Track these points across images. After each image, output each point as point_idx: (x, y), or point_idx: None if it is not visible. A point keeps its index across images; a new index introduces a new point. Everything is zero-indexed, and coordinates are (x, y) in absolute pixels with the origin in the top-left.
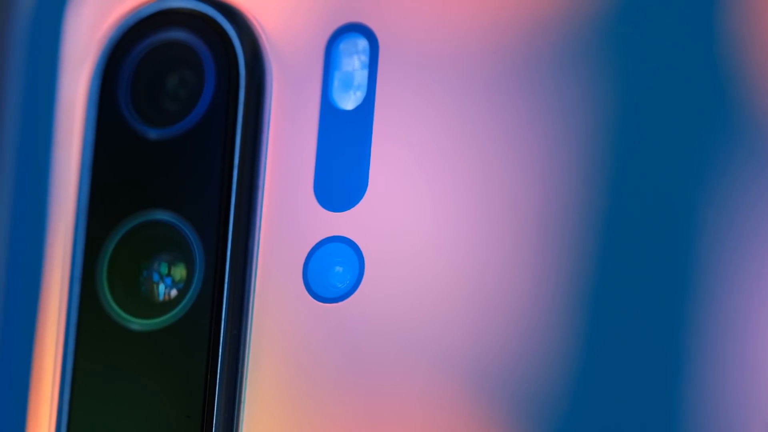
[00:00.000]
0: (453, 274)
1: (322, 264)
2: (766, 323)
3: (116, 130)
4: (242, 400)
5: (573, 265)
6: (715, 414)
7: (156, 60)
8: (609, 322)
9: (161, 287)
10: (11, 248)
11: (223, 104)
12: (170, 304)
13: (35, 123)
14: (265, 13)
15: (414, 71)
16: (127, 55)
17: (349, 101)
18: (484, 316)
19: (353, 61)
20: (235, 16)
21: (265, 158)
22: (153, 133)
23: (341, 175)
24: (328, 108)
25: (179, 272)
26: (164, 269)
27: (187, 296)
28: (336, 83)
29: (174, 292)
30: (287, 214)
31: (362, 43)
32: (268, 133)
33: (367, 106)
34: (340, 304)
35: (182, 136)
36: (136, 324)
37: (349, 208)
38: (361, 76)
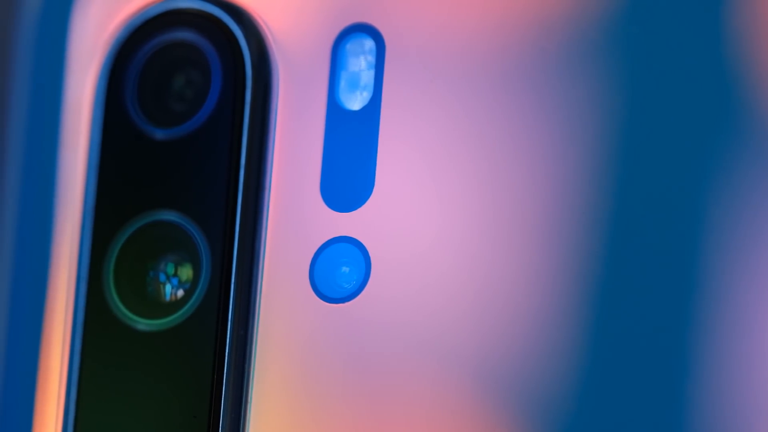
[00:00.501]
0: (459, 274)
1: (329, 264)
2: None
3: (123, 131)
4: (249, 400)
5: (579, 266)
6: (722, 414)
7: (162, 60)
8: (615, 323)
9: (168, 287)
10: (18, 248)
11: (229, 104)
12: (177, 304)
13: (42, 123)
14: (271, 14)
15: (420, 72)
16: (133, 55)
17: (355, 101)
18: (491, 316)
19: (360, 61)
20: (241, 16)
21: (272, 158)
22: (159, 134)
23: (348, 176)
24: (334, 108)
25: (186, 272)
26: (171, 269)
27: (194, 296)
28: (342, 83)
29: (180, 293)
30: (294, 214)
31: (369, 44)
32: (274, 133)
33: (373, 107)
34: (347, 304)
35: (189, 137)
36: (143, 324)
37: (355, 209)
38: (367, 77)
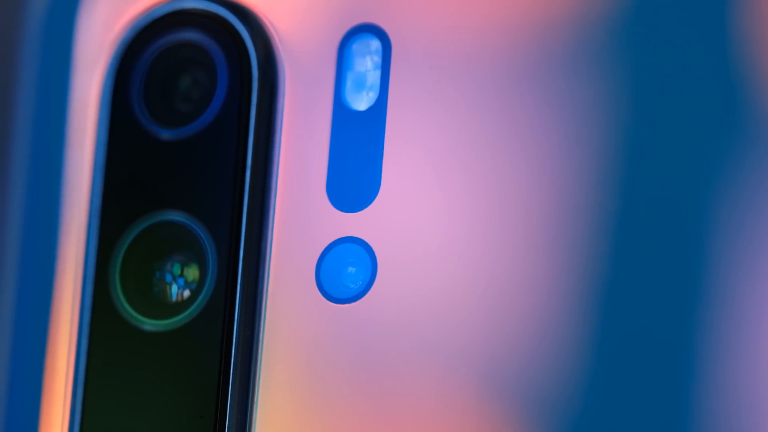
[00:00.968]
0: (465, 274)
1: (335, 264)
2: None
3: (129, 131)
4: (255, 400)
5: (585, 266)
6: (728, 414)
7: (169, 61)
8: (621, 323)
9: (174, 288)
10: (24, 249)
11: (235, 105)
12: (183, 304)
13: (48, 123)
14: (277, 14)
15: (426, 72)
16: (139, 55)
17: (361, 102)
18: (496, 316)
19: (366, 61)
20: (247, 16)
21: (278, 159)
22: (166, 134)
23: (354, 176)
24: (340, 108)
25: (192, 273)
26: (177, 270)
27: (200, 297)
28: (349, 84)
29: (187, 293)
30: (300, 214)
31: (375, 44)
32: (280, 133)
33: (379, 107)
34: (353, 304)
35: (195, 137)
36: (149, 325)
37: (361, 209)
38: (373, 77)
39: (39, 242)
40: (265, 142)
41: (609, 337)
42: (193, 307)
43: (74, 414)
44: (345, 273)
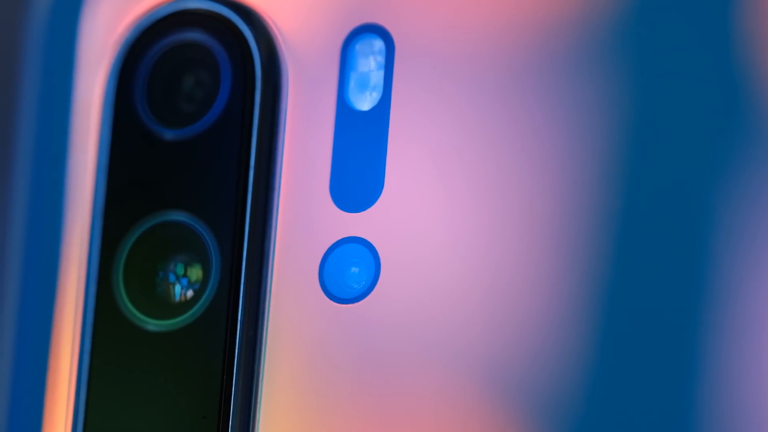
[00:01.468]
0: (469, 274)
1: (338, 265)
2: None
3: (132, 131)
4: (258, 400)
5: (588, 266)
6: (731, 415)
7: (172, 61)
8: (624, 323)
9: (177, 288)
10: (28, 249)
11: (239, 105)
12: (186, 304)
13: (51, 124)
14: (281, 14)
15: (430, 72)
16: (142, 56)
17: (365, 102)
18: (500, 316)
19: (369, 61)
20: (251, 17)
21: (281, 159)
22: (169, 134)
23: (357, 176)
24: (343, 109)
25: (195, 273)
26: (180, 270)
27: (203, 297)
28: (352, 84)
29: (190, 293)
30: (303, 214)
31: (378, 44)
32: (284, 133)
33: (383, 107)
34: (356, 304)
35: (198, 137)
36: (152, 325)
37: (365, 209)
38: (377, 77)
39: (42, 242)
40: (268, 142)
41: (612, 337)
42: (196, 308)
43: (77, 414)
44: (348, 273)
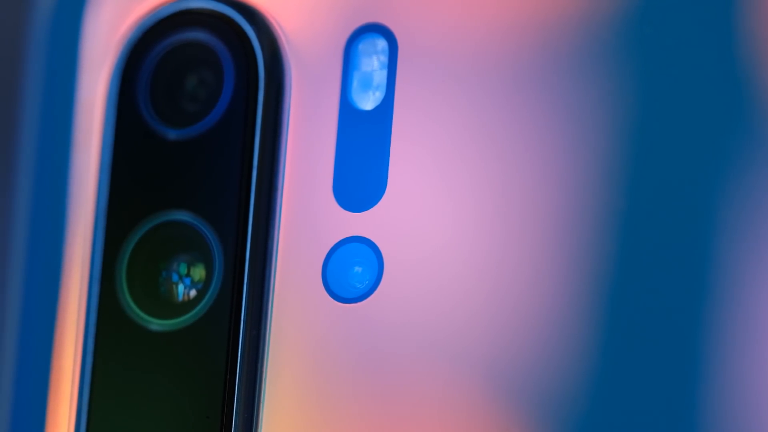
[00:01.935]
0: (471, 274)
1: (341, 264)
2: None
3: (135, 131)
4: (261, 400)
5: (591, 266)
6: (734, 415)
7: (175, 60)
8: (627, 324)
9: (180, 287)
10: (31, 249)
11: (242, 105)
12: (189, 304)
13: (54, 124)
14: (284, 14)
15: (433, 72)
16: (146, 55)
17: (368, 101)
18: (503, 316)
19: (372, 61)
20: (254, 16)
21: (284, 158)
22: (172, 134)
23: (360, 176)
24: (347, 108)
25: (198, 272)
26: (183, 270)
27: (207, 296)
28: (355, 83)
29: (193, 293)
30: (306, 214)
31: (381, 44)
32: (287, 133)
33: (386, 107)
34: (359, 304)
35: (201, 137)
36: (156, 324)
37: (368, 209)
38: (380, 77)
39: (45, 242)
40: (271, 142)
41: (615, 337)
42: (199, 307)
43: (80, 414)
44: (351, 272)
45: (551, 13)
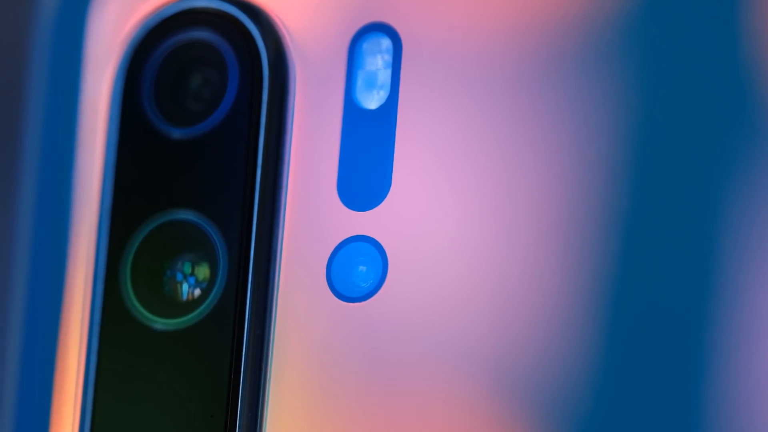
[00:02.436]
0: (476, 273)
1: (346, 263)
2: None
3: (140, 130)
4: (266, 399)
5: (596, 266)
6: (739, 416)
7: (179, 60)
8: (632, 323)
9: (185, 287)
10: (35, 248)
11: (246, 104)
12: (194, 303)
13: (59, 123)
14: (288, 13)
15: (437, 71)
16: (150, 54)
17: (372, 101)
18: (507, 315)
19: (377, 60)
20: (258, 15)
21: (289, 158)
22: (176, 133)
23: (365, 175)
24: (351, 107)
25: (203, 272)
26: (188, 269)
27: (211, 296)
28: (359, 82)
29: (197, 292)
30: (311, 213)
31: (386, 43)
32: (291, 132)
33: (390, 106)
34: (364, 303)
35: (206, 136)
36: (160, 323)
37: (372, 208)
38: (384, 76)
39: (50, 241)
40: (275, 141)
41: (620, 336)
42: (203, 306)
43: (85, 413)
44: (356, 272)
45: (555, 13)
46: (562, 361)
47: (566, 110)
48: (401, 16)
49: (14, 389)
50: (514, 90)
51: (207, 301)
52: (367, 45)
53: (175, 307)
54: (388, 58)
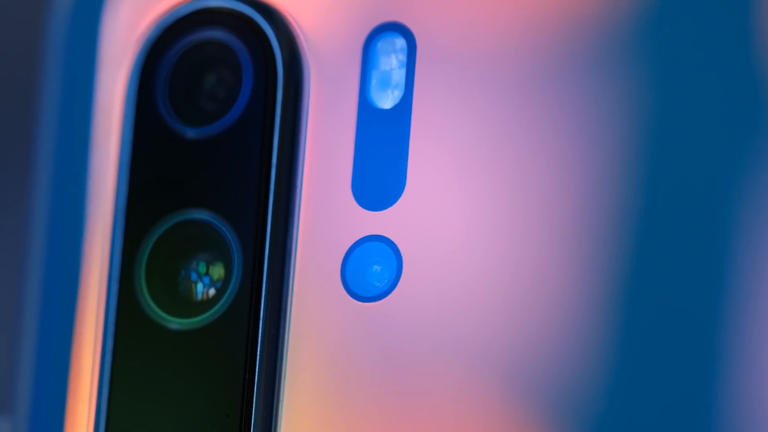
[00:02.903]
0: (490, 272)
1: (360, 263)
2: None
3: (154, 130)
4: (280, 398)
5: (609, 265)
6: (751, 416)
7: (194, 59)
8: (644, 323)
9: (199, 286)
10: (50, 248)
11: (260, 103)
12: (208, 303)
13: (73, 122)
14: (302, 13)
15: (452, 70)
16: (164, 54)
17: (386, 100)
18: (521, 315)
19: (391, 60)
20: (272, 15)
21: (303, 157)
22: (191, 133)
23: (379, 174)
24: (365, 107)
25: (217, 271)
26: (202, 268)
27: (225, 295)
28: (374, 82)
29: (212, 292)
30: (325, 212)
31: (400, 42)
32: (305, 132)
33: (404, 105)
34: (378, 303)
35: (220, 136)
36: (175, 323)
37: (387, 207)
38: (398, 75)
39: (64, 241)
40: (290, 141)
41: (633, 336)
42: (218, 306)
43: (99, 413)
44: (370, 271)
45: (569, 12)
46: (575, 361)
47: (580, 110)
48: (416, 15)
49: (29, 389)
50: (528, 90)
51: (221, 301)
52: (381, 44)
53: (189, 306)
54: (403, 57)
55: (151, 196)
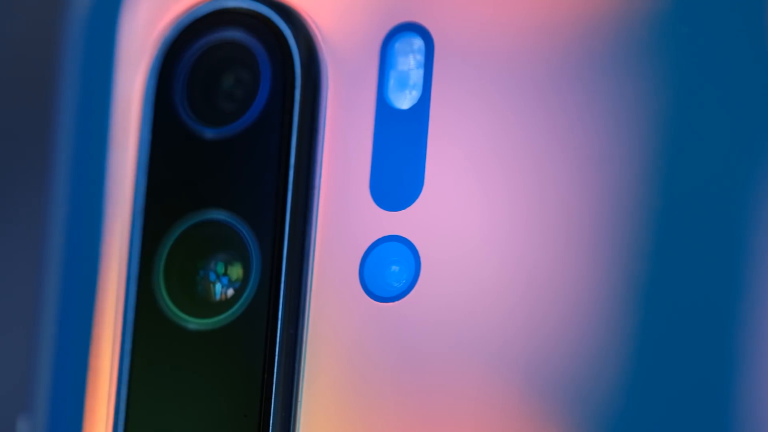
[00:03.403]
0: (508, 273)
1: (379, 263)
2: None
3: (172, 130)
4: (299, 398)
5: (627, 266)
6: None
7: (212, 59)
8: (664, 323)
9: (218, 286)
10: (68, 248)
11: (278, 104)
12: (227, 303)
13: (91, 122)
14: (320, 13)
15: (470, 70)
16: (182, 54)
17: (404, 100)
18: (540, 315)
19: (409, 60)
20: (290, 15)
21: (321, 157)
22: (209, 133)
23: (397, 174)
24: (383, 107)
25: (236, 271)
26: (221, 268)
27: (244, 295)
28: (391, 82)
29: (231, 292)
30: (343, 213)
31: (418, 43)
32: (323, 132)
33: (422, 106)
34: (397, 303)
35: (238, 136)
36: (193, 323)
37: (405, 207)
38: (416, 76)
39: (83, 241)
40: (308, 141)
41: (652, 336)
42: (236, 306)
43: (118, 413)
44: (388, 271)
45: (587, 12)
46: (593, 360)
47: (597, 109)
48: (433, 15)
49: (48, 389)
50: (546, 89)
51: (240, 301)
52: (399, 45)
53: (208, 306)
54: (420, 58)
55: (169, 196)
